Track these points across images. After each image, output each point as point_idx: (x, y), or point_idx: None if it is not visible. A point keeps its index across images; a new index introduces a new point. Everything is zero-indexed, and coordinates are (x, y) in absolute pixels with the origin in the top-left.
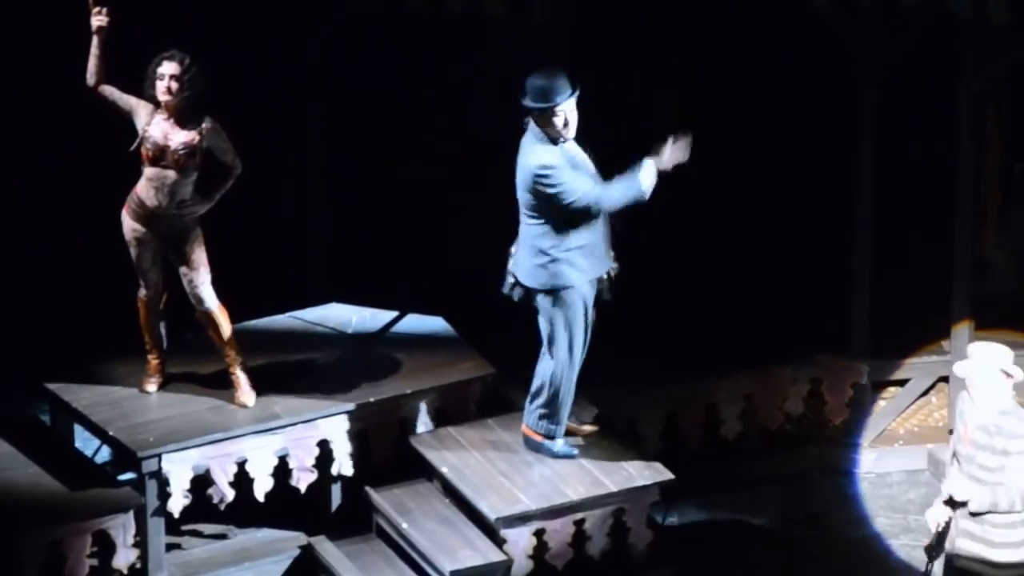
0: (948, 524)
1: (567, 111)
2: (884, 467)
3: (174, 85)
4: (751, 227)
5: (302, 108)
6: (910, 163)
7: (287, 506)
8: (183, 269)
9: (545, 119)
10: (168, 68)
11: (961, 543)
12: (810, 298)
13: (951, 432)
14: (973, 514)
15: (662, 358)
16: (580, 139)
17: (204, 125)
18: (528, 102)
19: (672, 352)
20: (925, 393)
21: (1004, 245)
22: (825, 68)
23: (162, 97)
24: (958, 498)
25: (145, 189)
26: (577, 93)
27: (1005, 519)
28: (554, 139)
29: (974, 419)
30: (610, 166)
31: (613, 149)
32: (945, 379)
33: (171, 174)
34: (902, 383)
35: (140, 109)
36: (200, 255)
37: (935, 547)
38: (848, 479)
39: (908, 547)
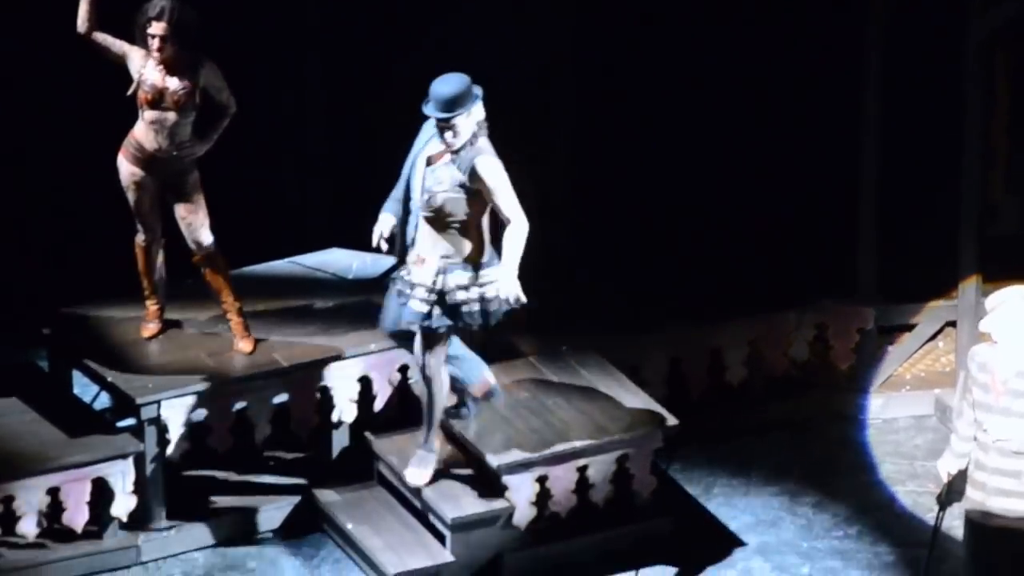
0: (960, 474)
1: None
2: (891, 413)
3: (165, 44)
4: (757, 171)
5: (301, 52)
6: (917, 107)
7: (287, 453)
8: (181, 212)
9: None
10: (156, 29)
11: (995, 502)
12: (816, 242)
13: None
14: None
15: (666, 304)
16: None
17: (200, 64)
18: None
19: (676, 298)
20: (932, 338)
21: (1013, 188)
22: (831, 13)
23: (155, 54)
24: (944, 471)
25: (144, 132)
26: (462, 114)
27: None
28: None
29: (1006, 367)
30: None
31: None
32: (953, 324)
33: (171, 115)
34: (909, 328)
35: (133, 54)
36: (198, 198)
37: (946, 497)
38: (854, 425)
39: (914, 493)
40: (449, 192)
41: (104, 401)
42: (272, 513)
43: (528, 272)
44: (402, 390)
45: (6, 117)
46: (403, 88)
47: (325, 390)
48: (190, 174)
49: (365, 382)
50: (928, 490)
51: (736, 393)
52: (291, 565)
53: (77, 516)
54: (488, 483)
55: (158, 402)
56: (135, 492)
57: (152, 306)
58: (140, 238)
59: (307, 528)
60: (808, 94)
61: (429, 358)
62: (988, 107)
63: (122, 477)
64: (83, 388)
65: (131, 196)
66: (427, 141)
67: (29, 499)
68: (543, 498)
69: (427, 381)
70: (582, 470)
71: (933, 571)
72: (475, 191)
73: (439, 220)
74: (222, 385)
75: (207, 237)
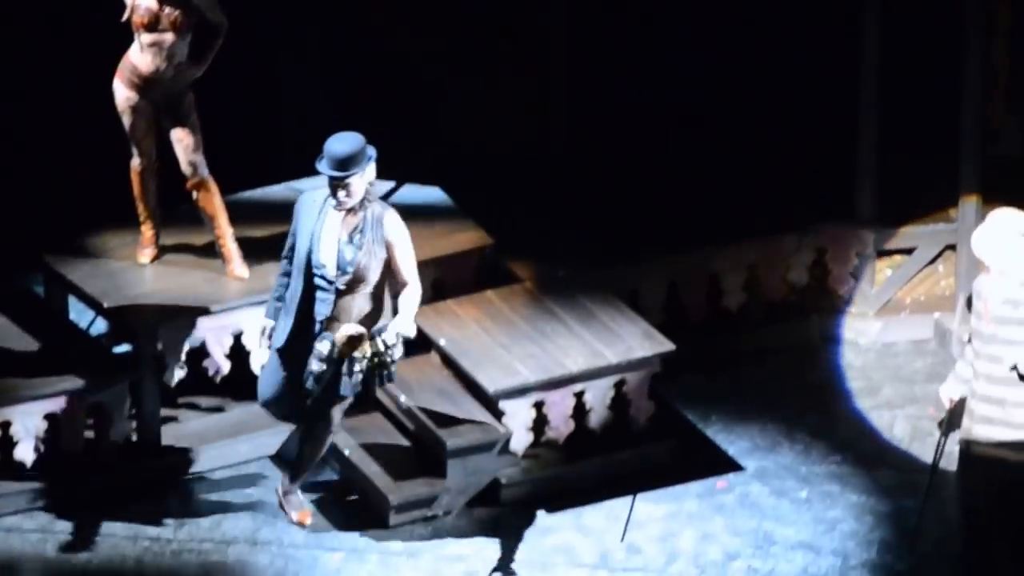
0: (962, 400)
1: (339, 185)
2: (890, 337)
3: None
4: (756, 94)
5: None
6: (917, 28)
7: None
8: (177, 135)
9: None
10: None
11: (979, 430)
12: (815, 166)
13: (968, 308)
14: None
15: (663, 228)
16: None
17: None
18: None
19: (674, 222)
20: (932, 261)
21: (1015, 109)
22: None
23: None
24: (946, 397)
25: (140, 56)
26: (356, 173)
27: None
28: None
29: (996, 293)
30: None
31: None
32: (952, 247)
33: (169, 37)
34: (908, 251)
35: None
36: (194, 121)
37: (948, 423)
38: (853, 350)
39: (914, 417)
40: (372, 257)
41: (100, 327)
42: (270, 439)
43: (526, 198)
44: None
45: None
46: (398, 10)
47: None
48: (185, 97)
49: None
50: (927, 415)
51: (734, 318)
52: None
53: (75, 442)
54: (485, 409)
55: (154, 328)
56: (132, 418)
57: (147, 232)
58: (136, 163)
59: None
60: (807, 17)
61: (335, 413)
62: (989, 27)
63: (119, 403)
64: (79, 314)
65: (127, 121)
66: (319, 217)
67: (26, 425)
68: (540, 424)
69: (321, 441)
70: (579, 395)
71: (933, 497)
72: (382, 250)
73: (357, 288)
74: (218, 311)
75: (202, 161)
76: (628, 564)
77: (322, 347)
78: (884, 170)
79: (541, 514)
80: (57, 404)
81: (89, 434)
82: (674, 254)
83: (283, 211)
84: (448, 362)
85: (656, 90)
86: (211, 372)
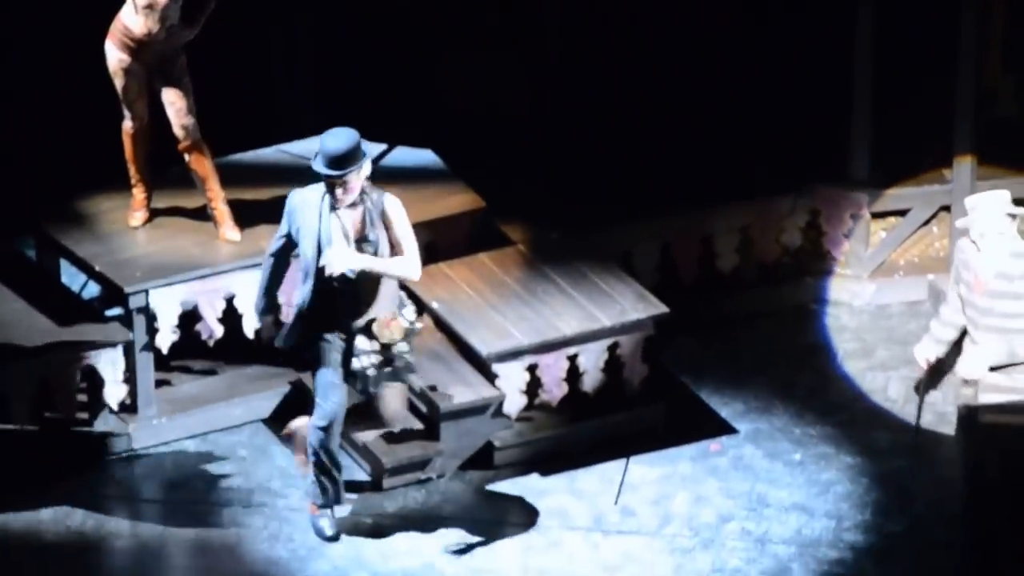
0: (939, 361)
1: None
2: (884, 299)
3: None
4: (749, 56)
5: None
6: None
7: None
8: (169, 98)
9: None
10: None
11: (986, 397)
12: (809, 127)
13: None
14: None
15: (656, 190)
16: None
17: None
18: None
19: (667, 184)
20: (926, 223)
21: (1011, 68)
22: None
23: None
24: (972, 376)
25: (133, 18)
26: (353, 170)
27: None
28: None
29: (988, 267)
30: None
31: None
32: (947, 208)
33: None
34: (902, 213)
35: None
36: (186, 84)
37: (925, 384)
38: (847, 311)
39: (908, 379)
40: (384, 243)
41: (92, 290)
42: (262, 402)
43: (519, 161)
44: None
45: None
46: None
47: None
48: (178, 59)
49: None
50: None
51: (728, 280)
52: (281, 454)
53: (68, 405)
54: (478, 371)
55: (146, 291)
56: (125, 381)
57: (139, 195)
58: (128, 125)
59: (297, 417)
60: None
61: (399, 401)
62: None
63: (112, 366)
64: (71, 277)
65: (119, 83)
66: (320, 218)
67: (20, 387)
68: (533, 387)
69: (389, 419)
70: (573, 358)
71: (922, 458)
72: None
73: (370, 277)
74: (211, 274)
75: (193, 124)
76: (622, 527)
77: (360, 343)
78: (878, 132)
79: (535, 477)
80: (50, 367)
81: (83, 398)
82: (667, 216)
83: (274, 174)
84: (441, 325)
85: (650, 52)
86: (204, 336)
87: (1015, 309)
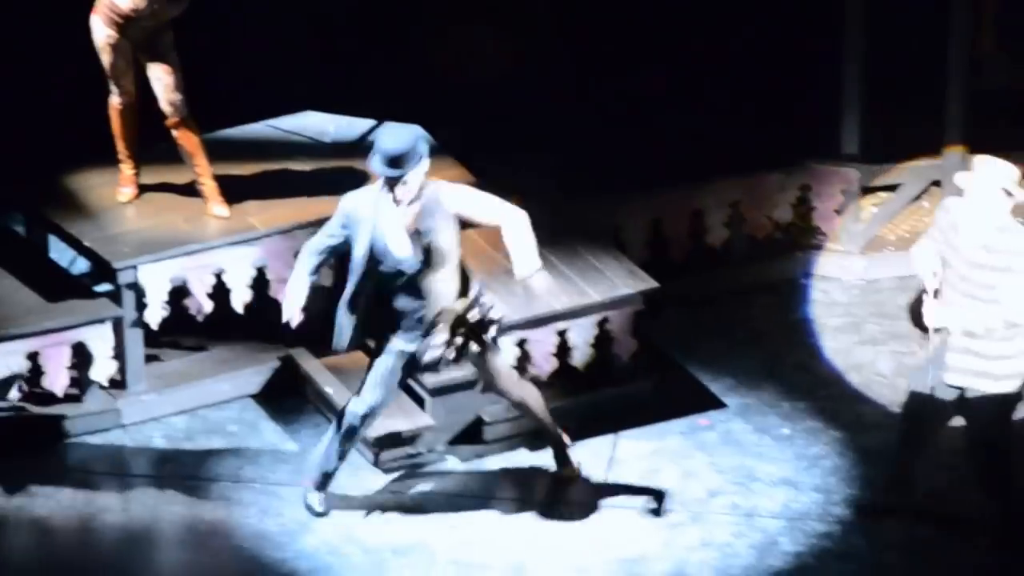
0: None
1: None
2: (874, 274)
3: None
4: (740, 30)
5: None
6: None
7: (267, 319)
8: (156, 73)
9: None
10: None
11: (954, 360)
12: (800, 102)
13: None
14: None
15: (647, 165)
16: None
17: None
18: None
19: (657, 158)
20: (917, 198)
21: (1003, 43)
22: None
23: None
24: (940, 325)
25: None
26: (412, 169)
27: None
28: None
29: (972, 236)
30: None
31: None
32: (937, 183)
33: None
34: (893, 188)
35: None
36: (173, 59)
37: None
38: (837, 286)
39: (898, 354)
40: (444, 237)
41: (81, 266)
42: (252, 378)
43: (508, 136)
44: None
45: None
46: None
47: None
48: (165, 35)
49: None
50: (911, 350)
51: (718, 255)
52: (271, 429)
53: (57, 380)
54: None
55: (135, 267)
56: (114, 357)
57: (127, 170)
58: (115, 100)
59: (287, 392)
60: None
61: (512, 381)
62: None
63: (101, 341)
64: (59, 253)
65: (105, 58)
66: (377, 214)
67: (8, 363)
68: (523, 362)
69: (524, 405)
70: (562, 333)
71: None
72: (453, 224)
73: (439, 270)
74: (200, 250)
75: (181, 99)
76: (611, 502)
77: (435, 338)
78: (869, 107)
79: (524, 452)
80: (39, 343)
81: (72, 374)
82: (658, 191)
83: (263, 149)
84: None
85: (640, 26)
86: (193, 311)
87: (991, 281)
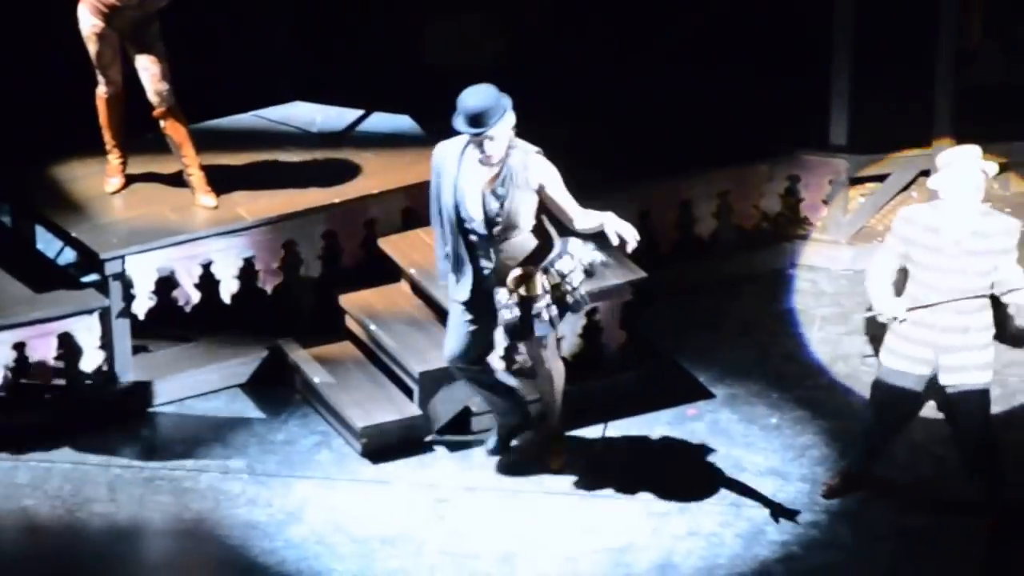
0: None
1: (482, 138)
2: (862, 264)
3: None
4: (729, 21)
5: None
6: None
7: (255, 309)
8: (143, 64)
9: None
10: None
11: (946, 359)
12: (789, 93)
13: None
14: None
15: (635, 155)
16: None
17: None
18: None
19: (646, 149)
20: (905, 188)
21: (991, 33)
22: None
23: None
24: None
25: None
26: (494, 124)
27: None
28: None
29: (960, 229)
30: None
31: None
32: (926, 173)
33: None
34: (881, 179)
35: None
36: (160, 49)
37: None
38: (825, 276)
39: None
40: (520, 202)
41: (68, 257)
42: (240, 368)
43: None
44: (367, 244)
45: None
46: None
47: (291, 244)
48: (151, 25)
49: (330, 237)
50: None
51: (707, 246)
52: (258, 419)
53: (44, 371)
54: None
55: (123, 257)
56: (102, 348)
57: (115, 160)
58: (102, 90)
59: (275, 383)
60: None
61: (546, 353)
62: None
63: (88, 332)
64: (46, 244)
65: (92, 48)
66: (459, 168)
67: None
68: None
69: (544, 378)
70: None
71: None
72: (532, 193)
73: (511, 234)
74: (187, 240)
75: (168, 90)
76: (599, 491)
77: (500, 296)
78: (858, 97)
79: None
80: (26, 333)
81: (59, 364)
82: (646, 181)
83: (251, 140)
84: (418, 290)
85: (628, 18)
86: (180, 302)
87: (988, 265)
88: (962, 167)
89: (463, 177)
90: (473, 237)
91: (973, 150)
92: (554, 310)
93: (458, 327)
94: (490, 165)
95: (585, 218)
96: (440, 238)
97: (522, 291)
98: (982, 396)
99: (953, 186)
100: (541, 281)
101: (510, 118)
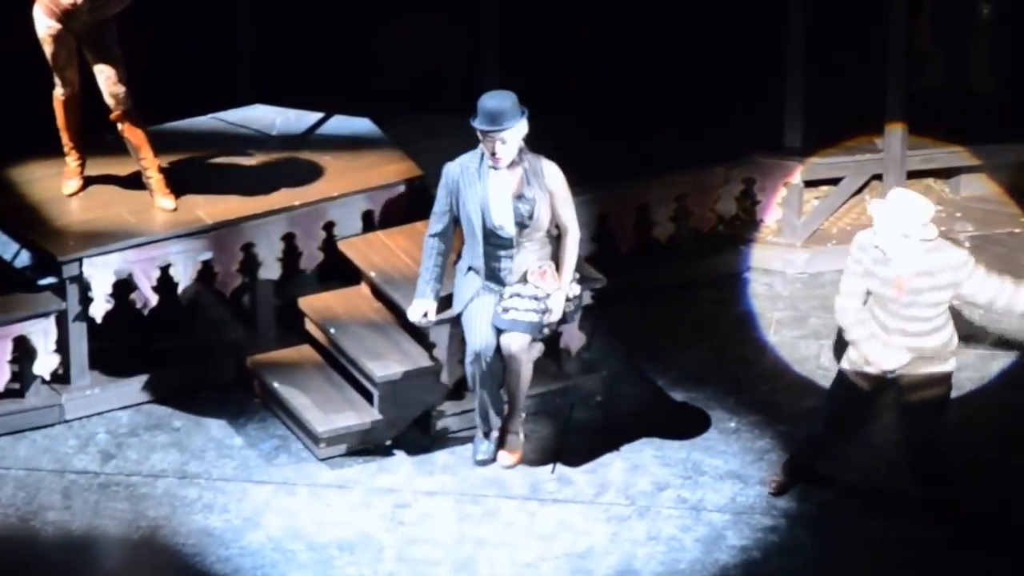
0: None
1: (496, 139)
2: (817, 267)
3: None
4: (683, 27)
5: None
6: None
7: (214, 312)
8: (99, 67)
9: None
10: None
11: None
12: (743, 97)
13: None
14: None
15: (592, 159)
16: None
17: None
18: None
19: (603, 153)
20: (859, 191)
21: (940, 39)
22: None
23: None
24: (891, 367)
25: None
26: (511, 126)
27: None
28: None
29: (905, 266)
30: None
31: None
32: (879, 177)
33: None
34: (835, 182)
35: None
36: (116, 53)
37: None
38: (781, 279)
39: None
40: (543, 205)
41: (25, 259)
42: (197, 372)
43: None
44: (328, 246)
45: None
46: None
47: (249, 247)
48: (107, 28)
49: (289, 240)
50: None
51: (664, 248)
52: (216, 424)
53: None
54: (415, 340)
55: (80, 260)
56: (57, 351)
57: (72, 162)
58: (58, 92)
59: (233, 387)
60: None
61: (524, 355)
62: None
63: (44, 336)
64: (3, 246)
65: (48, 49)
66: (481, 182)
67: None
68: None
69: (517, 375)
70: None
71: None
72: (547, 197)
73: (534, 237)
74: (145, 243)
75: (124, 92)
76: (558, 495)
77: (526, 291)
78: (811, 101)
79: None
80: None
81: (14, 367)
82: (604, 185)
83: (210, 142)
84: (378, 293)
85: (586, 23)
86: (138, 304)
87: (938, 300)
88: (897, 210)
89: (486, 189)
90: (498, 241)
91: (909, 194)
92: (536, 317)
93: (473, 321)
94: (499, 168)
95: (570, 245)
96: (429, 256)
97: (545, 284)
98: (936, 400)
99: (891, 231)
100: (553, 277)
101: (524, 125)
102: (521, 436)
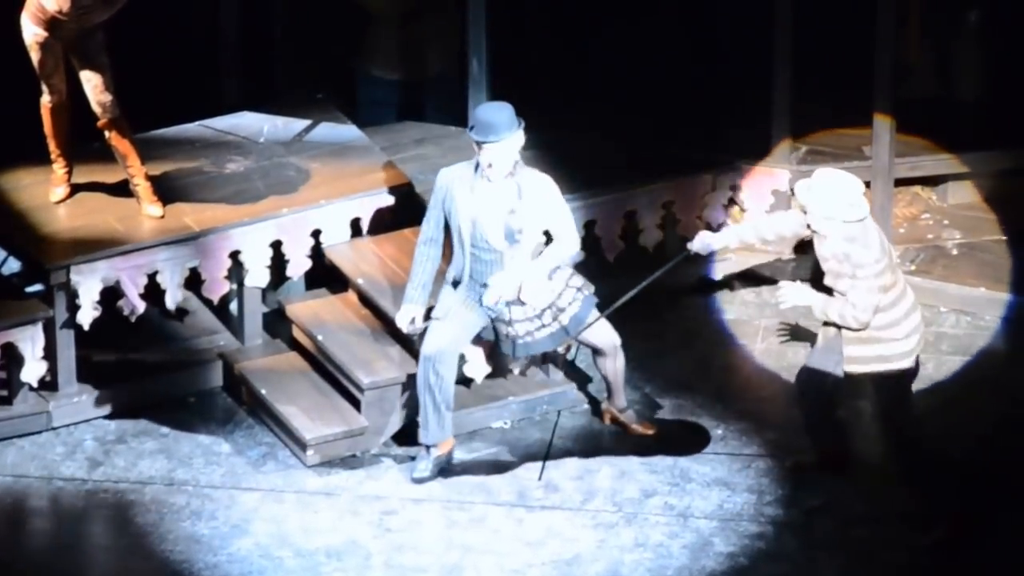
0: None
1: (491, 150)
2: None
3: None
4: (673, 35)
5: None
6: None
7: (201, 319)
8: (86, 76)
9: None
10: None
11: (852, 368)
12: (730, 104)
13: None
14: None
15: (580, 167)
16: None
17: None
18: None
19: (590, 160)
20: None
21: (927, 47)
22: None
23: None
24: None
25: None
26: (506, 138)
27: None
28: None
29: (828, 247)
30: None
31: None
32: (867, 184)
33: None
34: None
35: None
36: (103, 61)
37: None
38: (768, 287)
39: None
40: (533, 220)
41: (12, 266)
42: (185, 379)
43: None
44: (315, 254)
45: None
46: None
47: (237, 254)
48: (94, 36)
49: (276, 247)
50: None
51: (651, 256)
52: (203, 431)
53: None
54: (402, 347)
55: (67, 267)
56: (45, 358)
57: (60, 170)
58: (46, 99)
59: (220, 394)
60: None
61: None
62: None
63: (32, 343)
64: None
65: (35, 57)
66: (473, 193)
67: None
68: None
69: (611, 364)
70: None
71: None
72: (539, 209)
73: (524, 252)
74: (132, 250)
75: (111, 100)
76: (545, 502)
77: (517, 312)
78: (799, 110)
79: (458, 453)
80: None
81: (1, 375)
82: (591, 192)
83: (197, 150)
84: (365, 300)
85: (573, 31)
86: (126, 312)
87: (844, 287)
88: (823, 191)
89: (478, 200)
90: (485, 253)
91: (837, 174)
92: (555, 328)
93: (441, 327)
94: (493, 179)
95: (556, 248)
96: (420, 262)
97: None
98: (894, 385)
99: (818, 211)
100: (554, 294)
101: (519, 137)
102: (631, 411)
